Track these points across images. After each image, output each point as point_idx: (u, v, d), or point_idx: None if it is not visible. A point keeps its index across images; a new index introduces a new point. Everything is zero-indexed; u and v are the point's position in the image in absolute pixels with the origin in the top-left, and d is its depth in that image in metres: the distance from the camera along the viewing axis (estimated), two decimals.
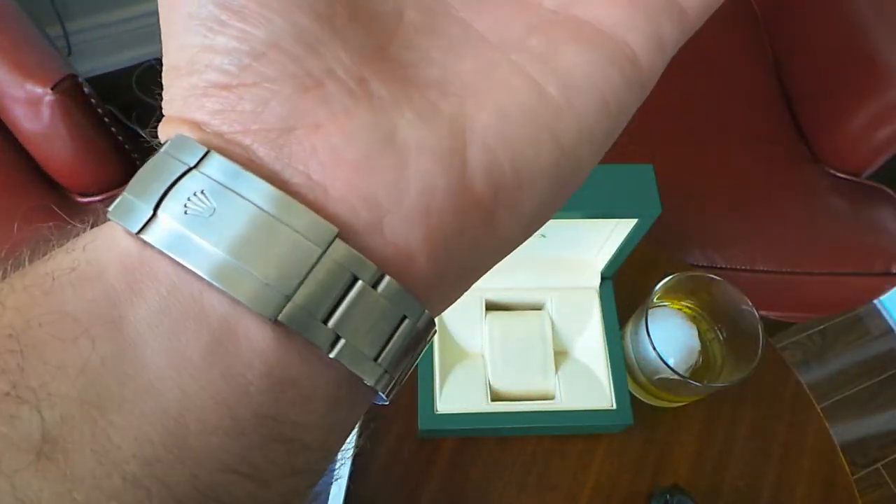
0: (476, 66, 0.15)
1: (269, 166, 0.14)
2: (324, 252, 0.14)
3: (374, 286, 0.14)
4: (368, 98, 0.14)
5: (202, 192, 0.14)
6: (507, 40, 0.16)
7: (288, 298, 0.14)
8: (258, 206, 0.14)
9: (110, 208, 0.14)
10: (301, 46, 0.14)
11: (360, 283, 0.14)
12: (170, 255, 0.13)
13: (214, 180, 0.14)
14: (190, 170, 0.14)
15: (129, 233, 0.14)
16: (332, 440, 0.15)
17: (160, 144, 0.15)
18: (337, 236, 0.14)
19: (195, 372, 0.13)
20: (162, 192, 0.14)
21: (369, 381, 0.15)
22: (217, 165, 0.14)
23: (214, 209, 0.14)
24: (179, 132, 0.14)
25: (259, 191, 0.14)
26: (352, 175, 0.14)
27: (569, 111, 0.15)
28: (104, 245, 0.14)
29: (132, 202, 0.14)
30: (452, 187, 0.15)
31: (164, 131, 0.15)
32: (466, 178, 0.15)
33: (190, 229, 0.13)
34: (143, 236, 0.14)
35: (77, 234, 0.15)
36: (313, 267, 0.14)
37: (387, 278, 0.14)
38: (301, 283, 0.14)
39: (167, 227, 0.14)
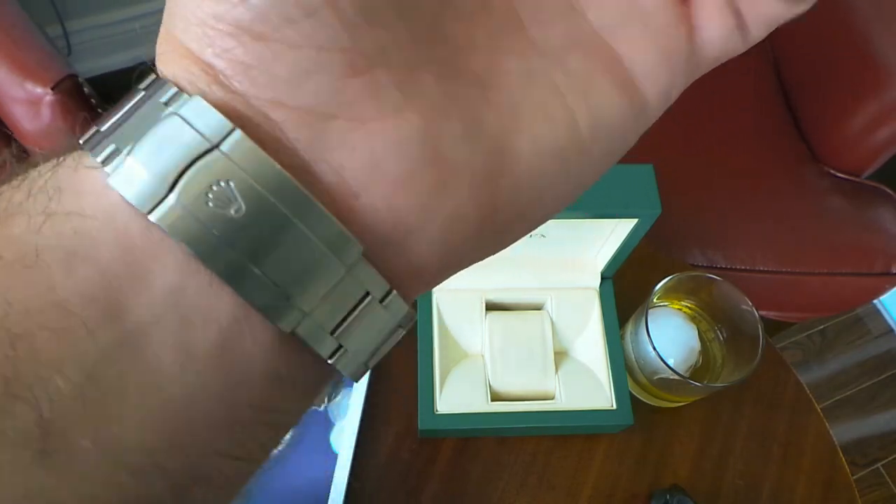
0: (518, 70, 0.15)
1: (300, 155, 0.13)
2: (347, 272, 0.13)
3: (382, 300, 0.14)
4: (419, 97, 0.13)
5: (228, 183, 0.12)
6: (549, 47, 0.15)
7: (305, 313, 0.13)
8: (287, 214, 0.12)
9: (108, 170, 0.12)
10: (359, 12, 0.12)
11: (370, 297, 0.14)
12: (189, 250, 0.12)
13: (245, 172, 0.12)
14: (213, 148, 0.12)
15: (129, 206, 0.12)
16: (300, 418, 0.16)
17: (152, 70, 0.13)
18: (361, 254, 0.13)
19: (200, 368, 0.13)
20: (180, 170, 0.12)
21: (355, 379, 0.15)
22: (248, 155, 0.12)
23: (241, 209, 0.12)
24: (195, 82, 0.12)
25: (290, 195, 0.12)
26: (388, 189, 0.13)
27: (591, 152, 0.15)
28: (98, 216, 0.12)
29: (139, 172, 0.12)
30: (481, 217, 0.14)
31: (168, 64, 0.13)
32: (496, 208, 0.15)
33: (215, 228, 0.12)
34: (155, 219, 0.12)
35: (47, 178, 0.13)
36: (335, 286, 0.13)
37: (394, 293, 0.14)
38: (321, 300, 0.13)
39: (184, 217, 0.12)
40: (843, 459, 0.58)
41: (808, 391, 0.61)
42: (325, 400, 0.55)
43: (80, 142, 0.13)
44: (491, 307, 0.57)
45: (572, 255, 0.57)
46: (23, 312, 0.12)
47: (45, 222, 0.12)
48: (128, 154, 0.12)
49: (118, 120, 0.13)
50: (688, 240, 0.91)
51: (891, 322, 1.40)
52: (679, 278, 0.53)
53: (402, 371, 0.57)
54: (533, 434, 0.56)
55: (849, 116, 0.96)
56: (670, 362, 0.51)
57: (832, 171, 0.99)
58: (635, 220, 0.48)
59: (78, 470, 0.12)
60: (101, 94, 0.80)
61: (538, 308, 0.58)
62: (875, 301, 1.40)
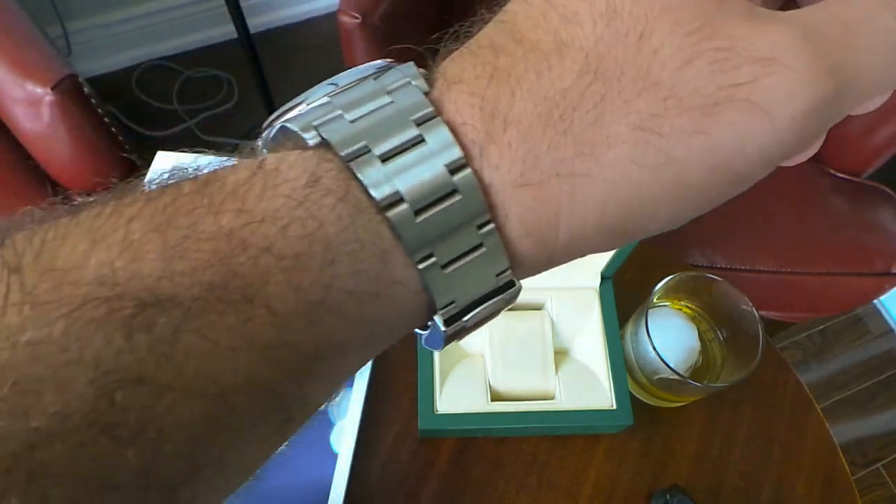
0: None
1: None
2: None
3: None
4: None
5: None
6: None
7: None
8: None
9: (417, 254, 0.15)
10: None
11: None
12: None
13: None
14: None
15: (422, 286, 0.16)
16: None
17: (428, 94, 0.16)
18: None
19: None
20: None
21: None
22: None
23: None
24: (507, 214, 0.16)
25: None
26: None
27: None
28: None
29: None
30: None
31: (461, 108, 0.16)
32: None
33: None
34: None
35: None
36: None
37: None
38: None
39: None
40: (843, 459, 0.58)
41: (808, 391, 0.61)
42: None
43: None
44: None
45: None
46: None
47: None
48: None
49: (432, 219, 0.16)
50: (688, 240, 0.91)
51: (891, 322, 1.40)
52: (679, 278, 0.53)
53: (402, 371, 0.57)
54: (533, 434, 0.56)
55: (849, 116, 0.96)
56: (670, 362, 0.51)
57: (832, 171, 0.99)
58: None
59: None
60: (101, 94, 0.80)
61: (538, 308, 0.58)
62: (875, 301, 1.40)
